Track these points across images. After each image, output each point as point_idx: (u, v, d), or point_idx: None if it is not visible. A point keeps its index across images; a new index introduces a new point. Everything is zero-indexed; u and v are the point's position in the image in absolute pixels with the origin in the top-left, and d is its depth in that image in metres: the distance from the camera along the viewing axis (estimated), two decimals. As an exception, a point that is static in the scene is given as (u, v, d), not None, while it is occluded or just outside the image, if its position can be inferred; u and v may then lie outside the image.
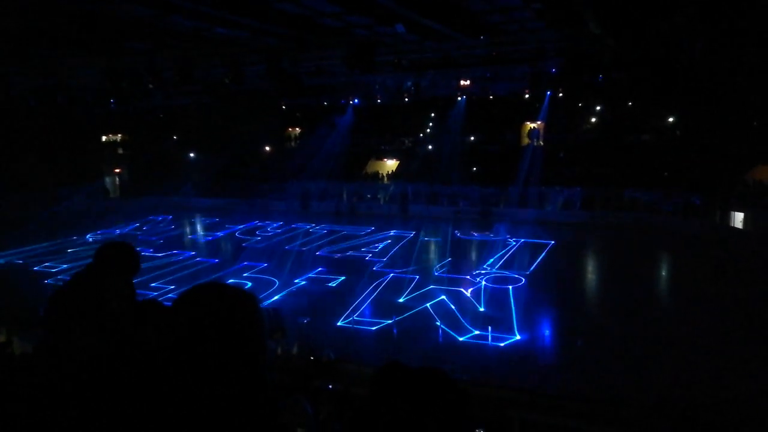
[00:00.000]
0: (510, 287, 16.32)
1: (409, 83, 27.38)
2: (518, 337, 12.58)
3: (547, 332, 13.37)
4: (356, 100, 35.10)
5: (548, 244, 22.37)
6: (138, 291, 3.67)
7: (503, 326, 13.02)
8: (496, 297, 15.42)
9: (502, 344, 12.11)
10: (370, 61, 15.07)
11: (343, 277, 17.83)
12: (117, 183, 41.29)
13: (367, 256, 20.79)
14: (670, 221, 25.50)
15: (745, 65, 19.62)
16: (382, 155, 37.95)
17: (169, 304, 2.32)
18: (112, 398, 1.81)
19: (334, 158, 35.96)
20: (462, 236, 24.93)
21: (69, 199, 34.63)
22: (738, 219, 23.72)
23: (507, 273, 17.91)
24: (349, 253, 21.59)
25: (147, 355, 1.74)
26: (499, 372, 10.67)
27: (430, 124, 37.53)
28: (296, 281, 17.28)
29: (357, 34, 14.88)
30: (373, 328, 13.28)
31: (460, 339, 12.39)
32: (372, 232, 25.82)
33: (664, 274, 19.71)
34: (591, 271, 20.12)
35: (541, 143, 34.49)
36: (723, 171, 25.29)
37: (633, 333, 12.51)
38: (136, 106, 32.68)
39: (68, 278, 3.41)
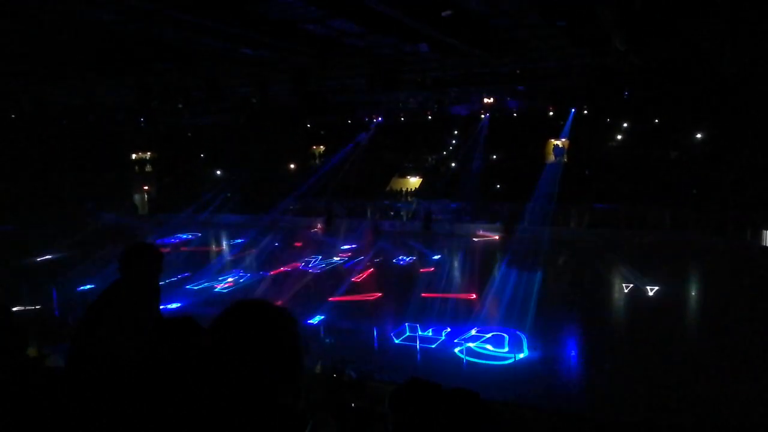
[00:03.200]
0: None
1: (432, 101, 27.54)
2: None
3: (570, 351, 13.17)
4: (380, 118, 35.39)
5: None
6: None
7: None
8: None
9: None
10: (393, 80, 15.22)
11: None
12: (145, 200, 42.12)
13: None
14: (698, 239, 24.98)
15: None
16: (405, 173, 38.07)
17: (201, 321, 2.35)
18: (141, 411, 1.84)
19: (357, 176, 36.20)
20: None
21: (98, 215, 35.45)
22: (770, 237, 23.17)
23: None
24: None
25: (178, 370, 1.77)
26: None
27: (453, 141, 37.59)
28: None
29: (380, 53, 15.07)
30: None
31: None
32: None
33: (693, 293, 19.26)
34: (617, 290, 19.76)
35: (566, 160, 34.28)
36: (753, 188, 24.76)
37: (664, 353, 12.23)
38: (164, 124, 33.48)
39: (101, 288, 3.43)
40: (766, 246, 23.10)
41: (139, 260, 3.39)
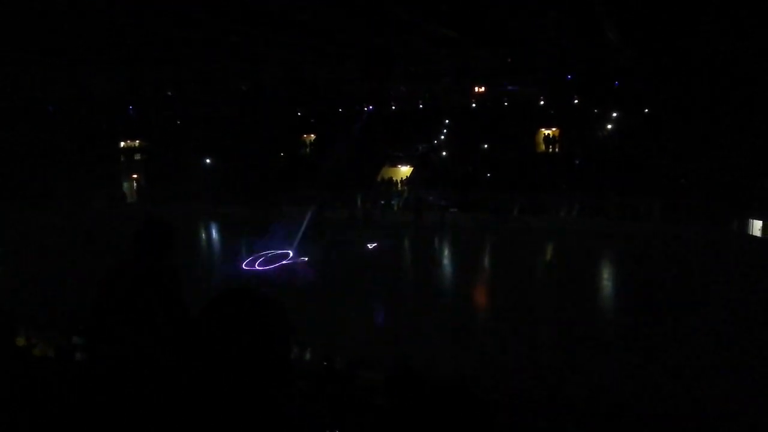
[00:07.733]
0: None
1: (424, 90, 27.50)
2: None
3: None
4: (371, 107, 35.23)
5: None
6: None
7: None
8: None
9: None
10: (386, 71, 15.16)
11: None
12: (134, 188, 41.76)
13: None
14: (686, 229, 25.17)
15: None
16: (396, 162, 37.94)
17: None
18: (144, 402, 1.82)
19: (348, 165, 36.01)
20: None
21: (88, 204, 35.15)
22: (756, 227, 23.38)
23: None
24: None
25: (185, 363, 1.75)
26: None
27: (444, 131, 37.51)
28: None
29: (374, 43, 15.00)
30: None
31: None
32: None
33: (681, 283, 19.42)
34: (606, 278, 19.93)
35: (557, 150, 34.34)
36: (741, 178, 24.95)
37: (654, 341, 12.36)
38: (154, 113, 33.15)
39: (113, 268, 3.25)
40: (752, 234, 23.36)
41: (149, 236, 3.26)
